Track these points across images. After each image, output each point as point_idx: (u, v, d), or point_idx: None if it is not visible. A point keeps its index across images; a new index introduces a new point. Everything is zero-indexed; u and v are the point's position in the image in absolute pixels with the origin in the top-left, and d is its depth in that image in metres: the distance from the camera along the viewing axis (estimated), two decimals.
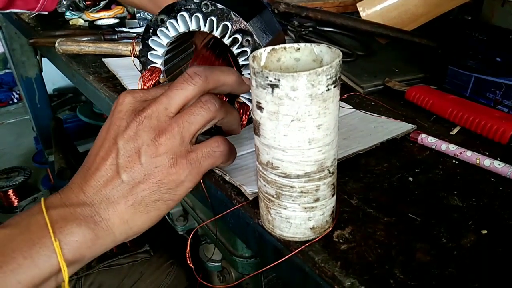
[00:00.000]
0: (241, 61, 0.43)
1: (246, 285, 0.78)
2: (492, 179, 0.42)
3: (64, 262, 0.30)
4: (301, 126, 0.28)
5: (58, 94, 2.57)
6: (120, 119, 0.33)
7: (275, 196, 0.32)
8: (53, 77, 2.33)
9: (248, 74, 0.45)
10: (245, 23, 0.42)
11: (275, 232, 0.34)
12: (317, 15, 0.77)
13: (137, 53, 0.43)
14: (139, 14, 0.94)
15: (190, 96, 0.33)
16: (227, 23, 0.42)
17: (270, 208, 0.33)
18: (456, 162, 0.44)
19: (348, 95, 0.60)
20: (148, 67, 0.44)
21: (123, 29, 0.91)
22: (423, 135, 0.47)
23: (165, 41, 0.43)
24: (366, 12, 0.77)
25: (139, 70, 0.45)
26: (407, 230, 0.35)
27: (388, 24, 0.75)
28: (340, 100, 0.56)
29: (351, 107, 0.56)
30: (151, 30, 0.42)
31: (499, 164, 0.42)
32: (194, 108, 0.33)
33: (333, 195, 0.33)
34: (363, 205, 0.38)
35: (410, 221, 0.36)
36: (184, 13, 0.41)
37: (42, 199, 0.32)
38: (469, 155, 0.44)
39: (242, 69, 0.44)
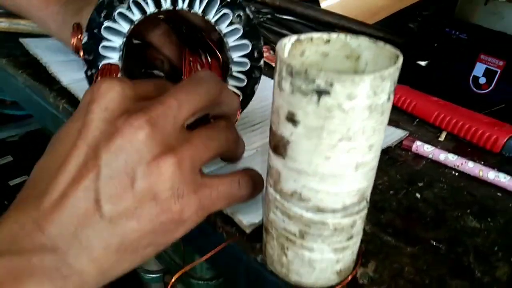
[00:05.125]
0: (231, 42, 0.35)
1: None
2: (499, 194, 0.38)
3: None
4: (351, 147, 0.21)
5: None
6: (103, 120, 0.22)
7: (298, 235, 0.24)
8: None
9: (240, 64, 0.37)
10: None
11: (289, 278, 0.26)
12: (275, 1, 0.70)
13: (80, 46, 0.32)
14: None
15: (203, 106, 0.24)
16: None
17: (287, 248, 0.25)
18: (456, 174, 0.40)
19: None
20: (101, 65, 0.33)
21: None
22: (418, 143, 0.42)
23: (125, 27, 0.32)
24: (326, 1, 0.71)
25: (84, 70, 0.33)
26: (436, 263, 0.30)
27: (349, 16, 0.70)
28: None
29: None
30: (103, 14, 0.31)
31: (504, 177, 0.38)
32: (213, 131, 0.25)
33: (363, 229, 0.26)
34: (379, 231, 0.32)
35: (434, 250, 0.31)
36: None
37: None
38: (471, 167, 0.40)
39: (229, 52, 0.36)
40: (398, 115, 0.50)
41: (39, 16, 0.49)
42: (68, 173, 0.21)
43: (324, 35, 0.25)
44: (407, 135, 0.45)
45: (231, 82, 0.39)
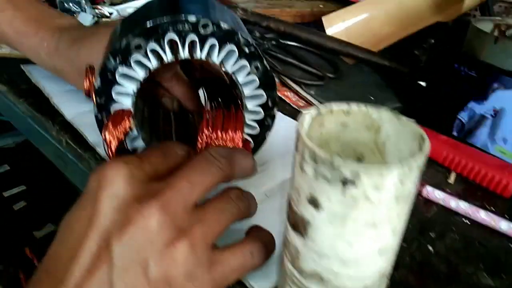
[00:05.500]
0: (247, 92, 0.34)
1: None
2: (511, 245, 0.37)
3: None
4: (375, 234, 0.20)
5: None
6: (113, 209, 0.21)
7: None
8: None
9: (254, 113, 0.36)
10: (254, 45, 0.33)
11: None
12: (280, 27, 0.69)
13: (93, 90, 0.31)
14: None
15: (214, 184, 0.24)
16: (232, 46, 0.32)
17: None
18: (468, 222, 0.40)
19: None
20: (113, 111, 0.32)
21: None
22: (429, 188, 0.42)
23: (141, 74, 0.31)
24: (331, 27, 0.71)
25: (95, 113, 0.32)
26: None
27: (354, 43, 0.70)
28: None
29: None
30: (118, 59, 0.31)
31: None
32: (222, 203, 0.24)
33: None
34: None
35: None
36: (173, 35, 0.31)
37: None
38: (483, 217, 0.39)
39: (245, 100, 0.35)
40: None
41: (28, 44, 0.47)
42: (81, 265, 0.21)
43: (344, 107, 0.24)
44: None
45: (244, 130, 0.38)
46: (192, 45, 0.32)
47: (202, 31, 0.31)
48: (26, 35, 0.47)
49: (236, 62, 0.33)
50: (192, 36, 0.31)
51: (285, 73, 0.61)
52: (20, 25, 0.46)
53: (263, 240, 0.27)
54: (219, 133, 0.36)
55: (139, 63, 0.31)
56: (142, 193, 0.22)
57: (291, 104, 0.59)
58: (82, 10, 0.78)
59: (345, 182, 0.19)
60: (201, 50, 0.32)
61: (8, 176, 1.24)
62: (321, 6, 0.85)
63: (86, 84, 0.31)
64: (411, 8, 0.74)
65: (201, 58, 0.32)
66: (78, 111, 0.47)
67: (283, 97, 0.60)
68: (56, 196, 1.18)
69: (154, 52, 0.31)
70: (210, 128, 0.36)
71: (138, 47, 0.30)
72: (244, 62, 0.34)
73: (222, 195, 0.25)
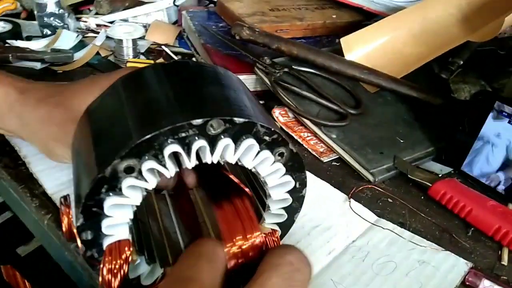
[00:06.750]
0: (271, 183, 0.28)
1: None
2: None
3: None
4: None
5: None
6: None
7: None
8: None
9: (280, 202, 0.30)
10: (275, 129, 0.25)
11: None
12: (292, 50, 0.61)
13: (73, 230, 0.23)
14: (40, 9, 0.66)
15: None
16: (250, 140, 0.25)
17: None
18: None
19: (359, 189, 0.45)
20: (106, 246, 0.24)
21: (19, 42, 0.65)
22: (486, 283, 0.35)
23: (137, 199, 0.23)
24: (351, 53, 0.62)
25: (81, 253, 0.24)
26: None
27: (375, 66, 0.62)
28: (351, 196, 0.43)
29: (373, 215, 0.42)
30: (103, 190, 0.22)
31: None
32: None
33: None
34: None
35: None
36: (175, 147, 0.23)
37: None
38: None
39: (269, 191, 0.28)
40: (449, 221, 0.43)
41: None
42: None
43: None
44: (471, 267, 0.37)
45: (269, 220, 0.31)
46: (200, 149, 0.24)
47: (211, 131, 0.24)
48: None
49: (256, 156, 0.26)
50: (200, 142, 0.23)
51: (301, 111, 0.53)
52: None
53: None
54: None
55: (133, 187, 0.23)
56: None
57: (309, 150, 0.51)
58: (64, 26, 0.68)
59: None
60: (211, 153, 0.24)
61: None
62: (334, 16, 0.76)
63: (64, 224, 0.23)
64: (437, 26, 0.65)
65: (212, 162, 0.25)
66: (61, 182, 0.39)
67: (299, 140, 0.52)
68: None
69: (151, 170, 0.23)
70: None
71: (129, 170, 0.22)
72: (266, 154, 0.26)
73: None
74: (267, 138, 0.26)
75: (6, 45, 0.63)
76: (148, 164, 0.22)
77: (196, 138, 0.23)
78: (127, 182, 0.22)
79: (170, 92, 0.25)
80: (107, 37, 0.68)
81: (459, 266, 0.37)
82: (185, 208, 0.35)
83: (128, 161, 0.22)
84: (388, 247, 0.38)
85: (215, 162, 0.25)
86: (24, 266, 1.06)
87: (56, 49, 0.63)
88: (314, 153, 0.51)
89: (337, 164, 0.50)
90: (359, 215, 0.41)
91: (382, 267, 0.37)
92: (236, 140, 0.25)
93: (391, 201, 0.45)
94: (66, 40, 0.65)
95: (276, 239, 0.31)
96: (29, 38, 0.67)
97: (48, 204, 0.38)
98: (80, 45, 0.67)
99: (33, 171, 0.40)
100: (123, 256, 0.24)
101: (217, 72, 0.28)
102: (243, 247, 0.26)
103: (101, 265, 0.24)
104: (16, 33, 0.66)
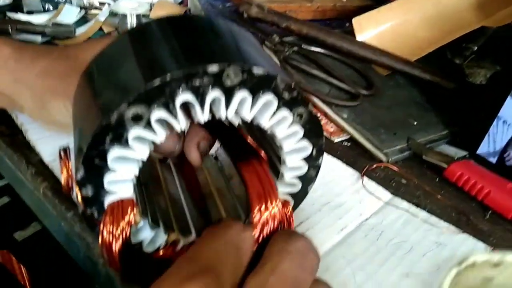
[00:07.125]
0: (287, 147, 0.26)
1: None
2: None
3: None
4: None
5: None
6: None
7: None
8: None
9: (295, 169, 0.27)
10: (296, 85, 0.23)
11: None
12: (302, 29, 0.59)
13: (74, 183, 0.21)
14: None
15: None
16: (269, 96, 0.23)
17: None
18: None
19: (371, 167, 0.43)
20: (109, 204, 0.22)
21: (20, 15, 0.63)
22: None
23: (143, 152, 0.21)
24: (362, 34, 0.60)
25: (81, 210, 0.22)
26: None
27: (387, 48, 0.60)
28: (365, 173, 0.41)
29: (389, 193, 0.40)
30: (107, 140, 0.20)
31: None
32: None
33: None
34: None
35: None
36: (188, 96, 0.21)
37: None
38: None
39: (284, 156, 0.26)
40: (466, 203, 0.41)
41: None
42: None
43: (495, 257, 0.14)
44: (491, 251, 0.35)
45: (282, 189, 0.29)
46: (214, 102, 0.22)
47: (227, 82, 0.21)
48: None
49: (274, 114, 0.24)
50: (215, 93, 0.21)
51: (311, 89, 0.51)
52: None
53: None
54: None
55: (140, 139, 0.21)
56: None
57: None
58: (66, 1, 0.66)
59: None
60: (226, 107, 0.22)
61: None
62: (344, 0, 0.74)
63: (63, 176, 0.21)
64: (451, 10, 0.63)
65: (226, 117, 0.23)
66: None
67: None
68: None
69: (160, 121, 0.21)
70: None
71: (137, 118, 0.20)
72: (284, 112, 0.24)
73: None
74: (286, 95, 0.24)
75: (6, 18, 0.61)
76: (158, 113, 0.20)
77: (211, 88, 0.21)
78: (134, 132, 0.20)
79: (182, 40, 0.23)
80: (111, 14, 0.66)
81: (478, 249, 0.35)
82: (191, 177, 0.33)
83: (136, 108, 0.20)
84: (403, 227, 0.36)
85: (229, 117, 0.23)
86: (21, 251, 1.04)
87: (57, 23, 0.61)
88: (324, 132, 0.49)
89: (348, 144, 0.48)
90: (372, 194, 0.39)
91: (397, 247, 0.35)
92: (254, 94, 0.23)
93: (404, 182, 0.42)
94: (68, 14, 0.63)
95: (288, 212, 0.29)
96: (30, 13, 0.65)
97: (45, 172, 0.36)
98: (83, 20, 0.65)
99: (30, 139, 0.38)
100: (126, 217, 0.22)
101: (231, 26, 0.26)
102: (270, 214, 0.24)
103: (101, 226, 0.22)
104: (16, 6, 0.64)
